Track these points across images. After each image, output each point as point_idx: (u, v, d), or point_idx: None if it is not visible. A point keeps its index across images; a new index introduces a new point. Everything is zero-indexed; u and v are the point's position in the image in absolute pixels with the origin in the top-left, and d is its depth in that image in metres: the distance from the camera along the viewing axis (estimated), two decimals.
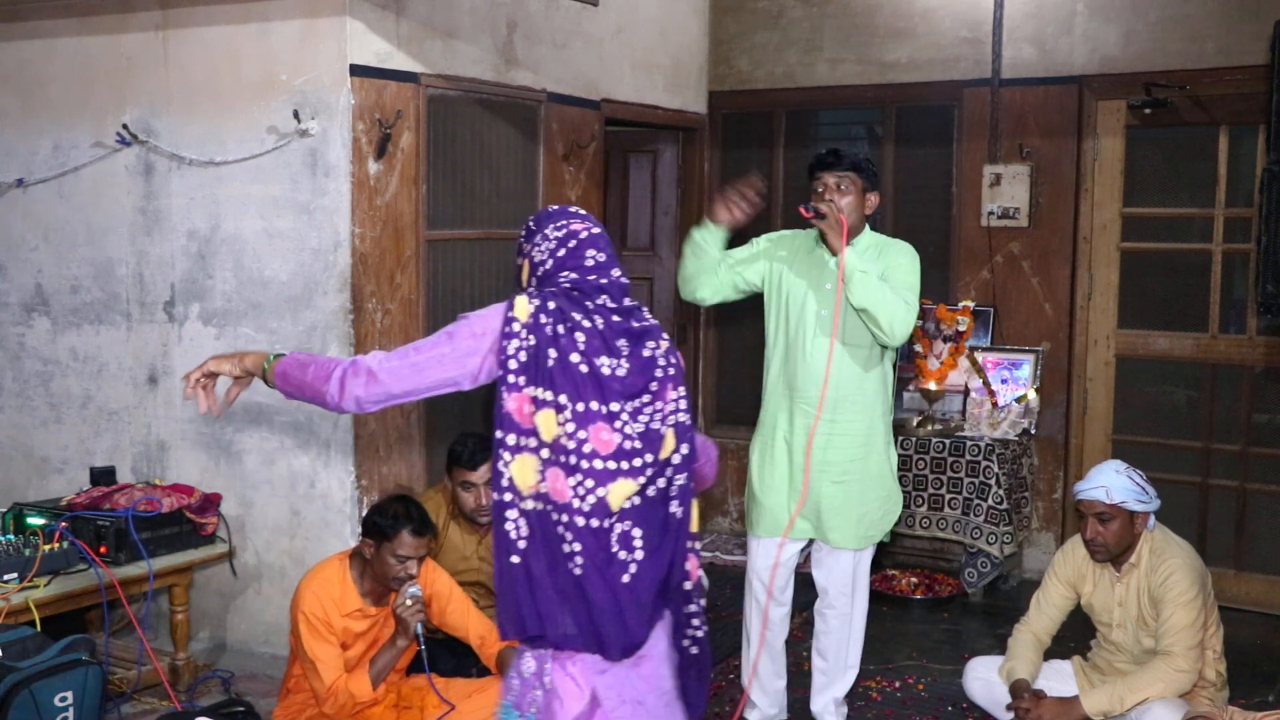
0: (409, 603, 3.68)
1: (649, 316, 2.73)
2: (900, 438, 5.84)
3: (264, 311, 4.83)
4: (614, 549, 2.56)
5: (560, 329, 2.57)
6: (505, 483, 2.57)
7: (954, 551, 6.10)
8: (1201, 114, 5.73)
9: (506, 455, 2.57)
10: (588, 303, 2.63)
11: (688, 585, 2.71)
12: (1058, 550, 4.24)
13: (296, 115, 4.66)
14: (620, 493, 2.57)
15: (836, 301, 3.89)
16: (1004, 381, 6.07)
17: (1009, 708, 3.95)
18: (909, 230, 6.44)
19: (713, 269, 4.01)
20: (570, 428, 2.55)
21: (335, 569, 3.82)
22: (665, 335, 2.71)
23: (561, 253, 2.69)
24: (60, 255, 5.30)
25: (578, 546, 2.55)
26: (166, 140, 4.99)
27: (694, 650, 2.75)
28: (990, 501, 5.66)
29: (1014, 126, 6.11)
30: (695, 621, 2.74)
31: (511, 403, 2.55)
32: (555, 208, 2.82)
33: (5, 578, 4.02)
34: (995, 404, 5.98)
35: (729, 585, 5.80)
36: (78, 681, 3.71)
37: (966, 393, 6.06)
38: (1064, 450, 6.13)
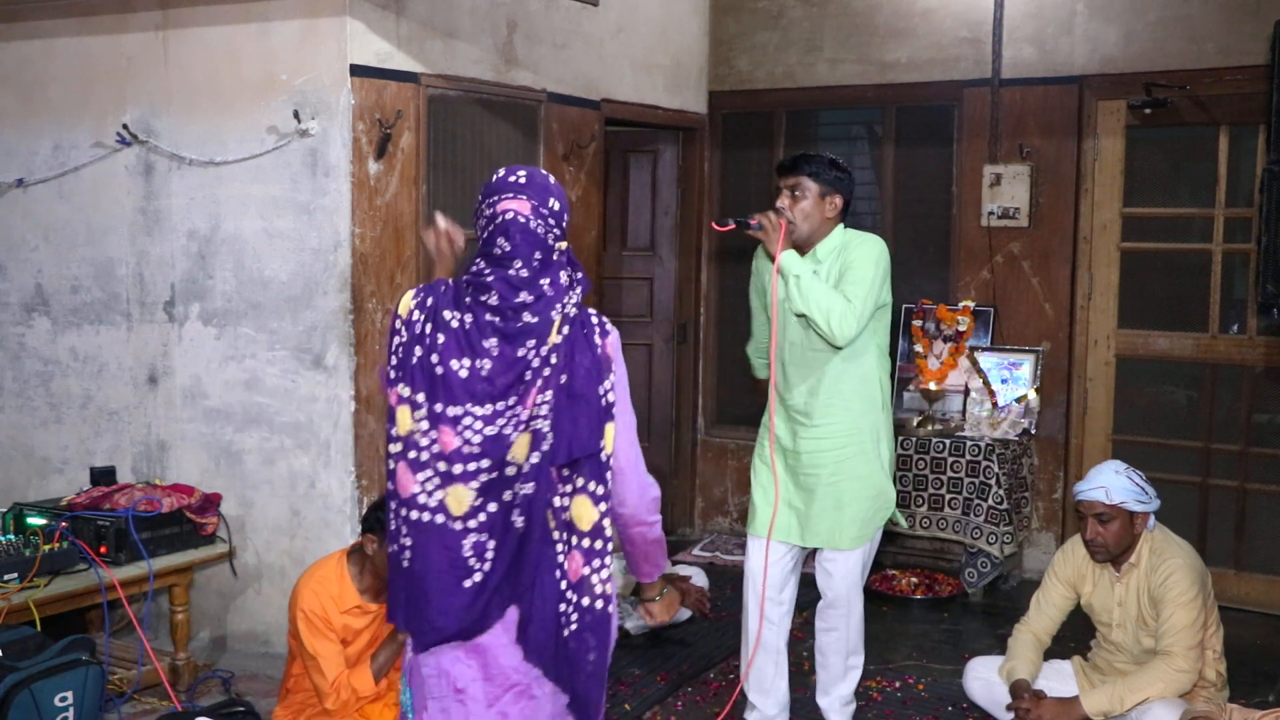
0: None
1: (547, 312, 2.59)
2: (900, 438, 5.84)
3: (264, 311, 4.83)
4: (466, 554, 2.58)
5: (428, 327, 2.59)
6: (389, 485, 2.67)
7: (954, 551, 6.10)
8: (1201, 114, 5.73)
9: (387, 444, 2.65)
10: (468, 298, 2.60)
11: (563, 585, 2.62)
12: (1057, 550, 4.24)
13: (296, 115, 4.66)
14: (457, 498, 2.57)
15: (773, 306, 3.86)
16: (1004, 381, 6.07)
17: (1009, 708, 3.95)
18: (909, 230, 6.49)
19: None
20: (424, 425, 2.57)
21: (333, 566, 3.84)
22: (563, 333, 2.59)
23: (485, 234, 2.65)
24: (60, 255, 5.30)
25: (408, 541, 2.61)
26: (166, 140, 4.99)
27: (571, 645, 2.65)
28: (990, 501, 5.66)
29: (1014, 126, 6.11)
30: (568, 619, 2.64)
31: (390, 396, 2.62)
32: (499, 175, 2.68)
33: (5, 578, 4.02)
34: (995, 404, 5.98)
35: (729, 585, 5.80)
36: (78, 681, 3.71)
37: (966, 393, 6.06)
38: (1064, 450, 6.13)
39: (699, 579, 5.26)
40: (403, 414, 2.60)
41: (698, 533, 6.98)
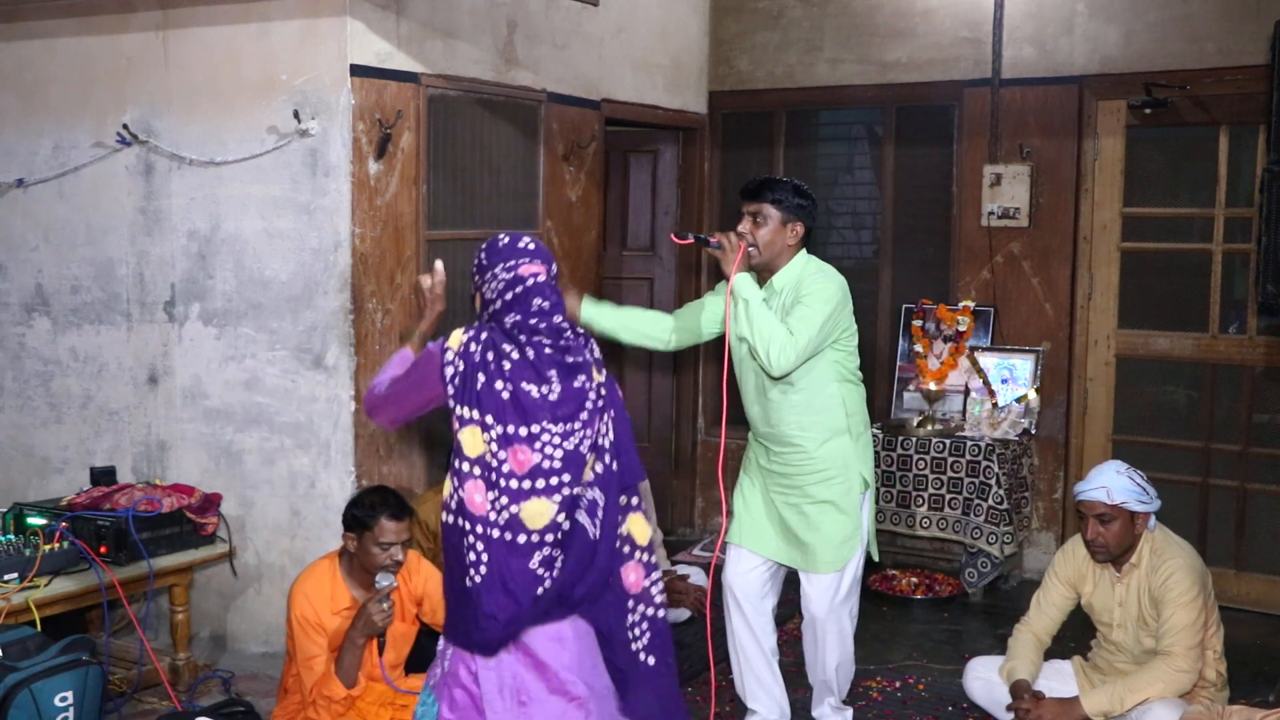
0: (385, 607, 3.70)
1: (587, 354, 2.91)
2: (900, 438, 5.84)
3: (264, 311, 4.83)
4: (535, 567, 2.74)
5: (489, 355, 2.80)
6: (451, 500, 2.83)
7: (954, 551, 6.10)
8: (1201, 114, 5.73)
9: (450, 474, 2.87)
10: (522, 337, 2.85)
11: (629, 601, 2.88)
12: (1058, 550, 4.24)
13: (297, 115, 4.66)
14: (534, 511, 2.72)
15: (727, 331, 3.83)
16: (1004, 381, 6.07)
17: (1009, 708, 3.95)
18: (909, 230, 6.49)
19: (656, 327, 4.09)
20: (494, 447, 2.74)
21: (325, 569, 3.87)
22: (601, 370, 2.93)
23: (509, 296, 2.87)
24: (60, 255, 5.30)
25: (485, 558, 2.73)
26: (166, 140, 4.99)
27: (649, 660, 2.86)
28: (990, 501, 5.66)
29: (1014, 126, 6.11)
30: (639, 631, 2.86)
31: (453, 422, 2.81)
32: (505, 242, 2.94)
33: (5, 578, 4.02)
34: (995, 404, 5.98)
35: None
36: (78, 681, 3.71)
37: (966, 393, 6.06)
38: (1064, 450, 6.13)
39: (698, 579, 5.26)
40: (471, 435, 2.76)
41: (697, 533, 6.97)
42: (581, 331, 2.97)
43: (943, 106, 6.31)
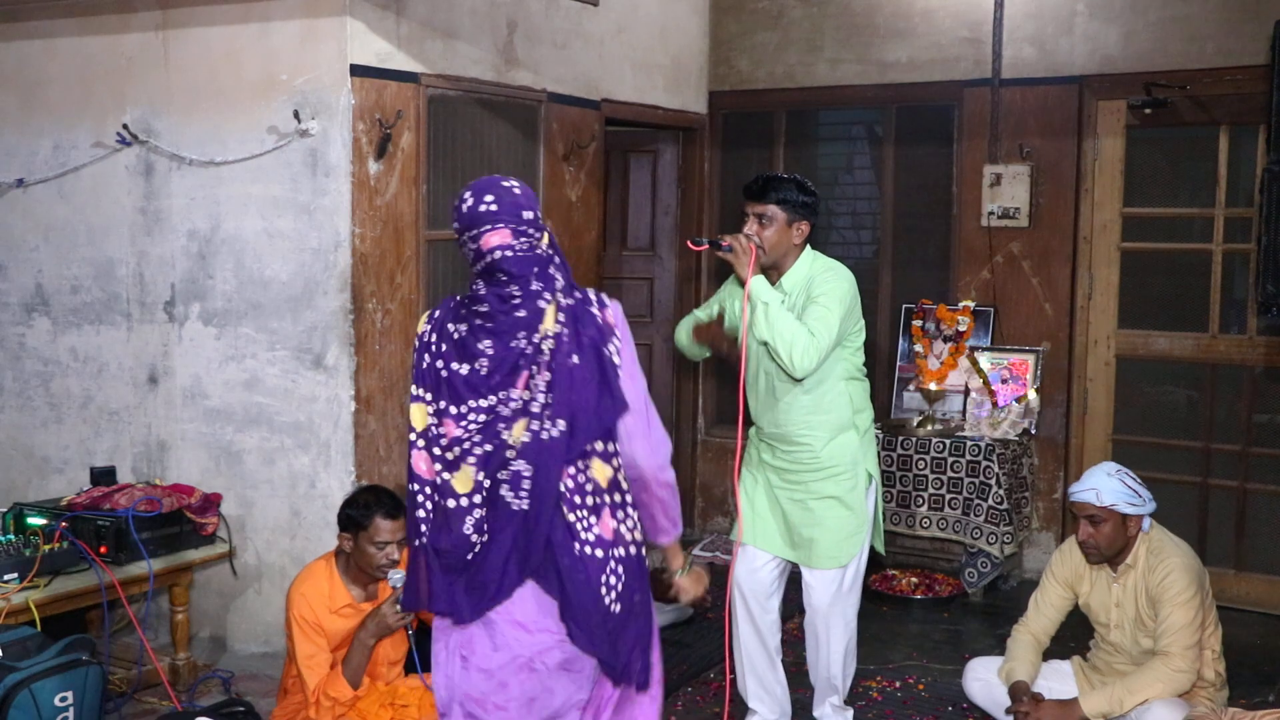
0: (400, 609, 3.70)
1: (535, 303, 2.78)
2: (900, 438, 5.84)
3: (264, 311, 4.83)
4: (467, 531, 2.78)
5: (434, 337, 2.87)
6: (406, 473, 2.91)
7: (954, 551, 6.10)
8: (1201, 114, 5.73)
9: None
10: (464, 310, 2.85)
11: (599, 552, 2.78)
12: (1055, 551, 4.24)
13: (297, 115, 4.66)
14: (463, 477, 2.79)
15: (743, 334, 3.83)
16: (1004, 381, 6.07)
17: (1008, 711, 3.95)
18: (909, 230, 6.49)
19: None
20: (433, 421, 2.82)
21: (322, 569, 3.87)
22: (560, 320, 2.78)
23: (478, 266, 2.83)
24: (60, 255, 5.30)
25: (423, 515, 2.84)
26: (166, 140, 4.99)
27: (615, 608, 2.80)
28: (990, 501, 5.66)
29: (1014, 126, 6.11)
30: (613, 580, 2.80)
31: (410, 399, 2.90)
32: (469, 204, 2.80)
33: (5, 578, 4.02)
34: (995, 404, 5.98)
35: (728, 585, 5.79)
36: (78, 681, 3.71)
37: (966, 393, 6.06)
38: (1064, 450, 6.12)
39: None
40: (418, 411, 2.85)
41: (698, 533, 6.97)
42: (551, 275, 2.82)
43: (943, 106, 6.31)
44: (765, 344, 3.77)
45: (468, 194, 2.83)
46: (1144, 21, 5.81)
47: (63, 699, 3.66)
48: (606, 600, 2.79)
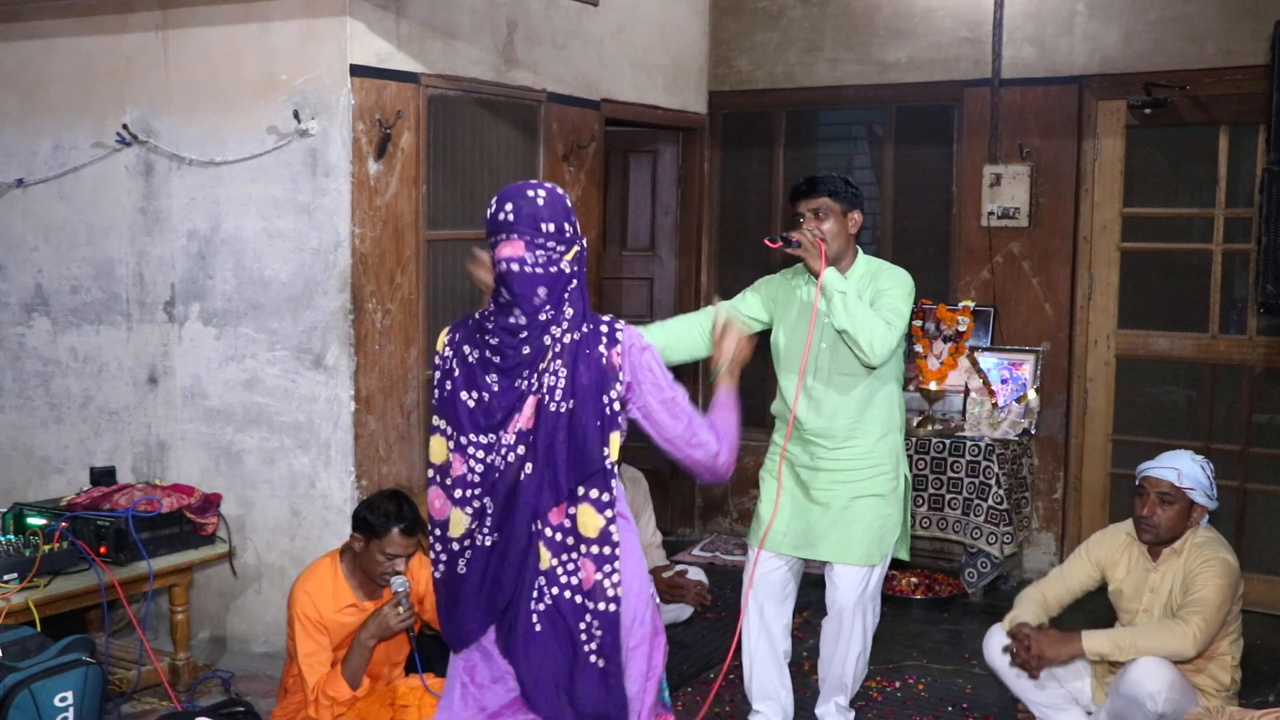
0: (402, 610, 3.70)
1: (540, 339, 2.70)
2: None
3: (264, 311, 4.83)
4: (461, 570, 2.79)
5: (453, 362, 2.79)
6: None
7: (954, 551, 6.10)
8: (1201, 114, 5.73)
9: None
10: (478, 334, 2.78)
11: (578, 599, 2.74)
12: (1097, 531, 4.23)
13: (296, 115, 4.66)
14: (456, 519, 2.77)
15: (809, 334, 3.91)
16: (1004, 381, 6.07)
17: (1006, 649, 3.93)
18: (909, 230, 6.49)
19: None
20: (451, 456, 2.77)
21: (326, 567, 3.87)
22: (560, 360, 2.69)
23: (496, 275, 2.78)
24: (60, 255, 5.29)
25: (443, 558, 2.82)
26: (166, 140, 4.99)
27: (599, 663, 2.75)
28: (990, 501, 5.66)
29: (1014, 126, 6.11)
30: (593, 630, 2.74)
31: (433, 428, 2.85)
32: (491, 209, 2.77)
33: (5, 578, 4.02)
34: (995, 404, 5.98)
35: (729, 585, 5.80)
36: (78, 681, 3.71)
37: (966, 393, 6.06)
38: (1064, 450, 6.12)
39: (696, 575, 5.27)
40: (437, 444, 2.80)
41: (697, 533, 6.98)
42: (561, 309, 2.72)
43: (943, 106, 6.31)
44: (843, 332, 3.81)
45: (494, 200, 2.78)
46: (1144, 21, 5.81)
47: (63, 699, 3.66)
48: (586, 649, 2.74)
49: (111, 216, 5.15)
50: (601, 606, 2.73)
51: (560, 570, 2.73)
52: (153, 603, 5.01)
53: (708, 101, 6.84)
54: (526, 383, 2.70)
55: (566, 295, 2.72)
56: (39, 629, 3.88)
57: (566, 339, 2.71)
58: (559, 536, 2.72)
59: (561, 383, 2.68)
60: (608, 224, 6.45)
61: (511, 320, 2.70)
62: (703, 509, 7.05)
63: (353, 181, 4.63)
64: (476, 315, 2.82)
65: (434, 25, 4.93)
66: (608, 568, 2.73)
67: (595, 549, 2.72)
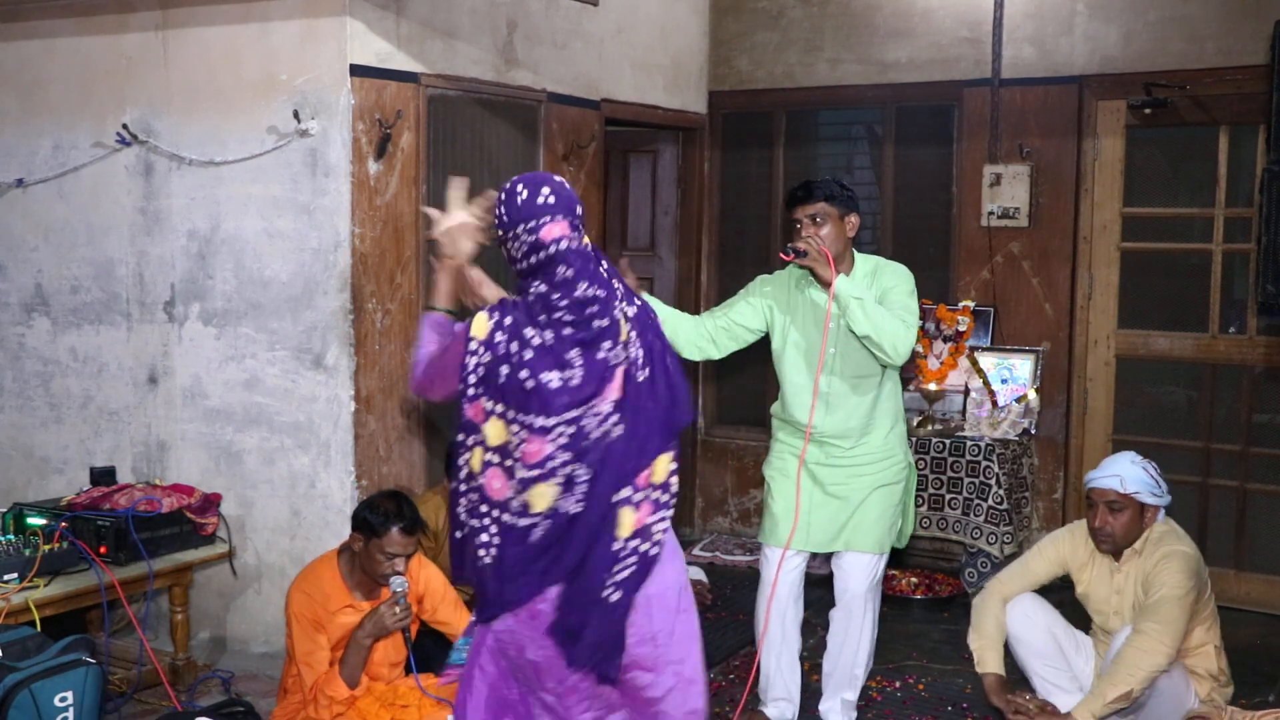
0: (399, 610, 3.70)
1: (612, 312, 2.82)
2: None
3: (264, 311, 4.83)
4: (534, 544, 2.80)
5: (514, 346, 2.78)
6: (463, 474, 2.87)
7: (954, 551, 6.10)
8: (1201, 114, 5.73)
9: (464, 451, 2.85)
10: (543, 316, 2.79)
11: (617, 545, 2.82)
12: (1064, 527, 4.22)
13: (296, 115, 4.66)
14: (540, 493, 2.79)
15: (824, 336, 3.93)
16: (1004, 381, 6.07)
17: (1010, 707, 3.93)
18: (909, 230, 6.49)
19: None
20: (516, 439, 2.77)
21: (325, 566, 3.88)
22: (632, 333, 2.84)
23: (534, 260, 2.81)
24: (60, 255, 5.30)
25: (497, 540, 2.81)
26: (166, 140, 4.99)
27: (613, 596, 2.83)
28: (990, 501, 5.66)
29: (1014, 126, 6.11)
30: (619, 567, 2.83)
31: (469, 410, 2.82)
32: (525, 197, 2.81)
33: (5, 578, 4.02)
34: (995, 404, 5.98)
35: (729, 585, 5.80)
36: (78, 681, 3.71)
37: (966, 393, 6.06)
38: (1064, 450, 6.13)
39: (696, 575, 5.27)
40: (495, 426, 2.80)
41: (698, 533, 6.97)
42: (611, 282, 2.85)
43: (943, 106, 6.31)
44: (865, 338, 3.82)
45: (519, 186, 2.83)
46: (1144, 21, 5.82)
47: (63, 699, 3.66)
48: (605, 588, 2.81)
49: (111, 216, 5.15)
50: (644, 547, 2.84)
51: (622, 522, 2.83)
52: (153, 603, 5.01)
53: (708, 101, 6.84)
54: (610, 353, 2.80)
55: (603, 270, 2.86)
56: (39, 629, 3.88)
57: (630, 310, 2.86)
58: (635, 493, 2.83)
59: (640, 353, 2.83)
60: (608, 224, 6.45)
61: (578, 294, 2.78)
62: (703, 509, 7.04)
63: (353, 181, 4.63)
64: (517, 300, 2.86)
65: (434, 25, 4.93)
66: (663, 513, 2.87)
67: (656, 495, 2.85)
